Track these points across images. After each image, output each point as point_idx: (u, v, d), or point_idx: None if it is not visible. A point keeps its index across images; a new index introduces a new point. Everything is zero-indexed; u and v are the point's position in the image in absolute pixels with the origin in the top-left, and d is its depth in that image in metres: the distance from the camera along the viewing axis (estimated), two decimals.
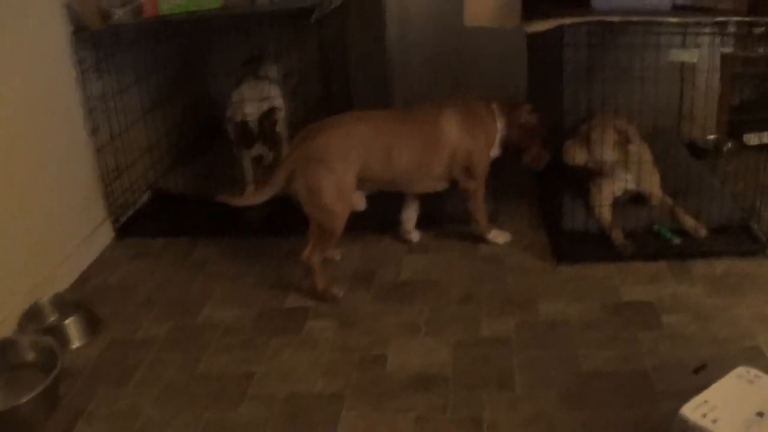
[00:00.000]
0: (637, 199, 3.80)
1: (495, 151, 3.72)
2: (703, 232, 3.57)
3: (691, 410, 1.99)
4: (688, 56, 3.23)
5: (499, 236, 3.77)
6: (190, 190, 4.44)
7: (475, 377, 2.89)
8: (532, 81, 4.32)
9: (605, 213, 3.66)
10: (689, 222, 3.61)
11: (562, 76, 3.37)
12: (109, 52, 4.03)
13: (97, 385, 3.07)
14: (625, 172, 3.69)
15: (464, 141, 3.55)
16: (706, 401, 2.00)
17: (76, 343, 3.32)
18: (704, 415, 1.95)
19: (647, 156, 3.70)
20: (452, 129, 3.54)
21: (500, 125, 3.67)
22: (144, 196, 4.49)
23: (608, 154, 3.62)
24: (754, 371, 2.14)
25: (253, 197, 3.41)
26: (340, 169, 3.32)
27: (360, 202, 3.53)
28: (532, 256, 3.66)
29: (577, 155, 3.67)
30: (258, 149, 4.11)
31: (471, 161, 3.57)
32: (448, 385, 2.86)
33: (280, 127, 4.17)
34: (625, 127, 3.60)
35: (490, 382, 2.86)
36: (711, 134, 4.46)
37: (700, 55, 3.76)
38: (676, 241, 3.57)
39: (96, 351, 3.28)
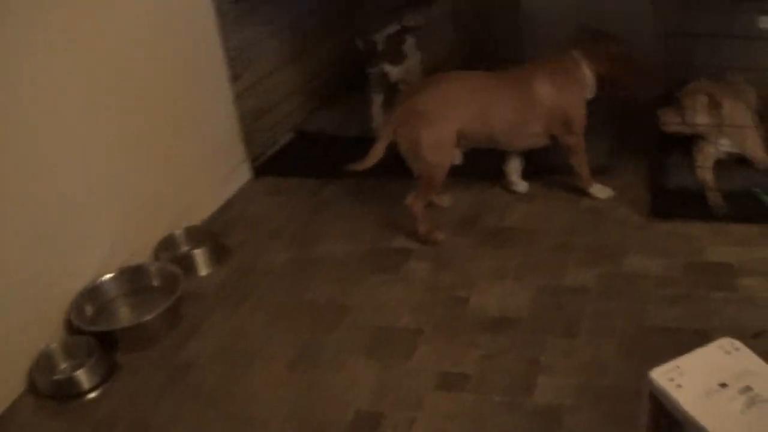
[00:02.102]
0: (745, 160, 3.84)
1: (591, 93, 3.81)
2: None
3: (659, 373, 2.06)
4: None
5: (600, 191, 3.91)
6: (330, 132, 4.76)
7: (545, 322, 3.12)
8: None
9: (705, 174, 3.75)
10: None
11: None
12: (251, 5, 4.32)
13: (215, 307, 3.48)
14: (720, 136, 3.76)
15: (558, 98, 3.71)
16: (678, 366, 2.07)
17: (202, 271, 3.72)
18: (671, 380, 2.02)
19: (746, 119, 3.74)
20: (545, 89, 3.70)
21: (587, 70, 3.77)
22: (285, 137, 4.82)
23: (699, 118, 3.69)
24: (737, 344, 2.16)
25: (372, 158, 3.62)
26: (439, 124, 3.57)
27: (457, 157, 3.76)
28: (631, 211, 3.78)
29: (669, 120, 3.78)
30: (383, 68, 4.30)
31: (568, 116, 3.73)
32: (519, 327, 3.11)
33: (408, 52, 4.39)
34: (717, 91, 3.66)
35: (557, 327, 3.08)
36: None
37: None
38: None
39: (220, 278, 3.69)
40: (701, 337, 2.89)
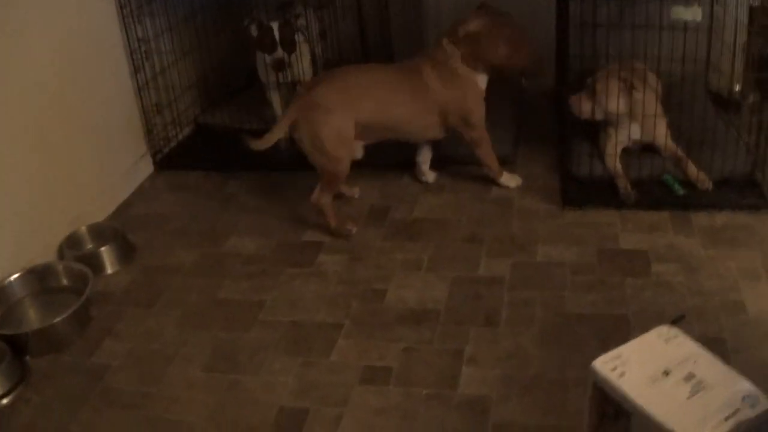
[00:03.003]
0: (651, 148, 3.87)
1: (483, 83, 3.76)
2: (707, 185, 3.65)
3: (602, 363, 2.06)
4: (691, 14, 3.30)
5: (510, 180, 3.92)
6: (230, 124, 4.64)
7: (464, 313, 3.10)
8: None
9: (614, 161, 3.78)
10: (695, 173, 3.69)
11: (567, 29, 3.49)
12: None
13: (125, 307, 3.36)
14: (632, 122, 3.78)
15: (448, 94, 3.69)
16: (619, 356, 2.07)
17: (110, 270, 3.60)
18: (614, 369, 2.02)
19: (656, 107, 3.78)
20: (433, 82, 3.68)
21: (456, 56, 3.69)
22: (185, 131, 4.72)
23: (614, 104, 3.72)
24: (674, 331, 2.16)
25: (268, 141, 3.58)
26: (338, 117, 3.53)
27: (358, 151, 3.73)
28: (541, 200, 3.81)
29: (583, 107, 3.80)
30: (279, 54, 4.18)
31: (464, 112, 3.72)
32: (439, 319, 3.08)
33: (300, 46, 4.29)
34: (629, 76, 3.69)
35: (477, 318, 3.06)
36: (737, 86, 4.48)
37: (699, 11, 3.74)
38: (681, 191, 3.66)
39: (128, 277, 3.56)
40: (620, 323, 2.96)
